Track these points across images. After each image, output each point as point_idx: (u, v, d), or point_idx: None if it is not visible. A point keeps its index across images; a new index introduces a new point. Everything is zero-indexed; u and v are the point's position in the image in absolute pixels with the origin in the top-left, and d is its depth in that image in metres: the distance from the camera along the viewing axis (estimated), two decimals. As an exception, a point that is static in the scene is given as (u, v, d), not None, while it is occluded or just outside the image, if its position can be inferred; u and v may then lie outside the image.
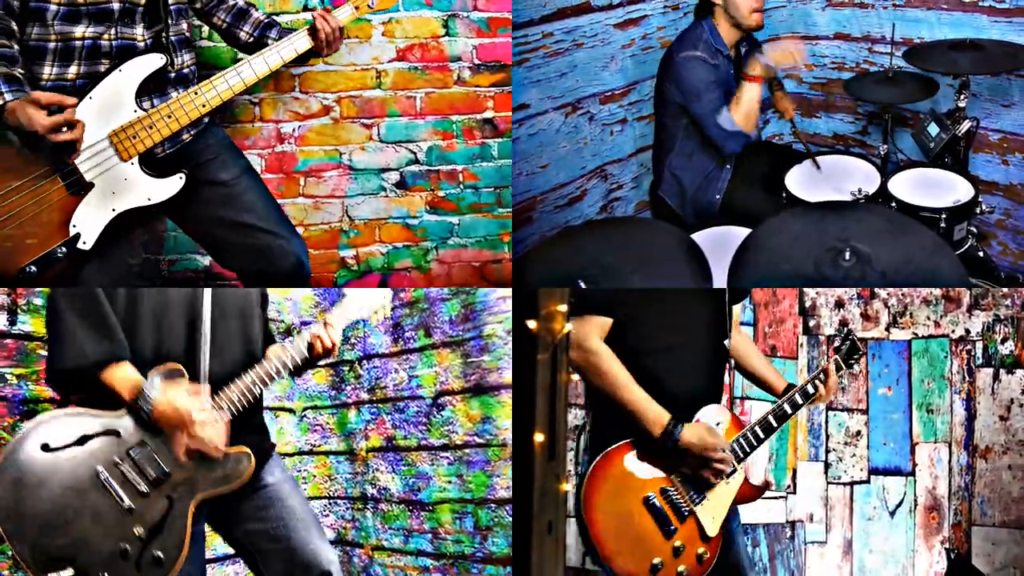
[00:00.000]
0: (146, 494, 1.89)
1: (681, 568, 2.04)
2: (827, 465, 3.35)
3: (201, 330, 2.02)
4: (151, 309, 2.00)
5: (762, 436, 2.16)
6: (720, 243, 2.89)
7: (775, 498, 3.30)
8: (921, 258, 2.43)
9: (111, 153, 2.27)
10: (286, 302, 3.66)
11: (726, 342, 2.23)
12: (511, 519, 2.88)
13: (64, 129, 2.18)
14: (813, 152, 3.52)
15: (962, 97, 3.32)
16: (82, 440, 1.89)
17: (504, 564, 2.91)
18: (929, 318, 3.32)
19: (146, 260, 3.22)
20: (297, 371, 2.15)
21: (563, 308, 2.30)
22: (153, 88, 2.37)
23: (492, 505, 2.99)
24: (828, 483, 3.34)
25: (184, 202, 2.43)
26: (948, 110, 3.40)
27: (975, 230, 3.32)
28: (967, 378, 3.29)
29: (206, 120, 2.54)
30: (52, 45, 2.26)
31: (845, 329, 2.50)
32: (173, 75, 2.43)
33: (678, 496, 2.09)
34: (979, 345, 3.28)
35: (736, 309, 2.35)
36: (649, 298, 2.19)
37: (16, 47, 2.22)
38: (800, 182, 3.38)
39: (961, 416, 3.28)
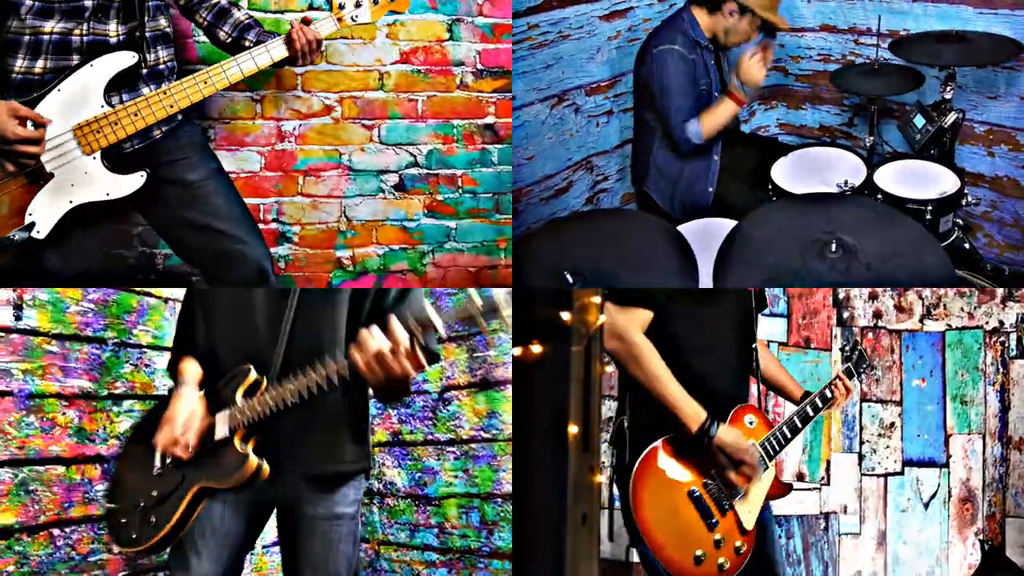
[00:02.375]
0: (169, 466, 2.04)
1: (721, 560, 2.08)
2: (861, 457, 3.36)
3: (282, 328, 2.05)
4: (256, 308, 2.06)
5: (789, 436, 2.24)
6: (706, 235, 2.89)
7: (809, 490, 3.30)
8: (907, 250, 2.44)
9: (74, 146, 2.28)
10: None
11: (754, 345, 2.28)
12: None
13: (30, 144, 2.20)
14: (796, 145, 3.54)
15: (948, 89, 3.32)
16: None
17: (510, 559, 2.91)
18: (963, 310, 3.32)
19: (141, 253, 3.20)
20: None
21: (597, 300, 2.29)
22: (124, 83, 2.37)
23: (498, 500, 2.99)
24: (862, 475, 3.35)
25: (150, 200, 2.46)
26: (934, 102, 3.40)
27: (961, 222, 3.32)
28: (1001, 369, 3.29)
29: (179, 117, 2.53)
30: (25, 39, 2.27)
31: (852, 341, 2.71)
32: (146, 71, 2.43)
33: (719, 490, 2.14)
34: (1013, 337, 3.29)
35: (760, 318, 2.43)
36: (683, 296, 2.24)
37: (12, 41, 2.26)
38: (786, 174, 3.38)
39: (995, 408, 3.29)
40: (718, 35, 3.43)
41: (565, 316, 1.53)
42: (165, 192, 2.48)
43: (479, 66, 3.28)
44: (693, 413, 2.07)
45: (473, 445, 3.10)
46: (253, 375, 2.01)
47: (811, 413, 2.33)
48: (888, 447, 3.34)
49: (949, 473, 3.29)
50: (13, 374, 2.53)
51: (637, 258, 2.57)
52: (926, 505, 3.30)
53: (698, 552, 2.05)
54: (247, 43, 2.59)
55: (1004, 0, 3.47)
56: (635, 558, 3.24)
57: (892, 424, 3.34)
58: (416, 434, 3.32)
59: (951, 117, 3.32)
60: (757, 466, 2.11)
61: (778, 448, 2.22)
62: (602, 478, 2.47)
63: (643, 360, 2.09)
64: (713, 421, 2.08)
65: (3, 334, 2.52)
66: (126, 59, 2.34)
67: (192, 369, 2.09)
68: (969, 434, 3.29)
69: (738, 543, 2.12)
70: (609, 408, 3.32)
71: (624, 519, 2.10)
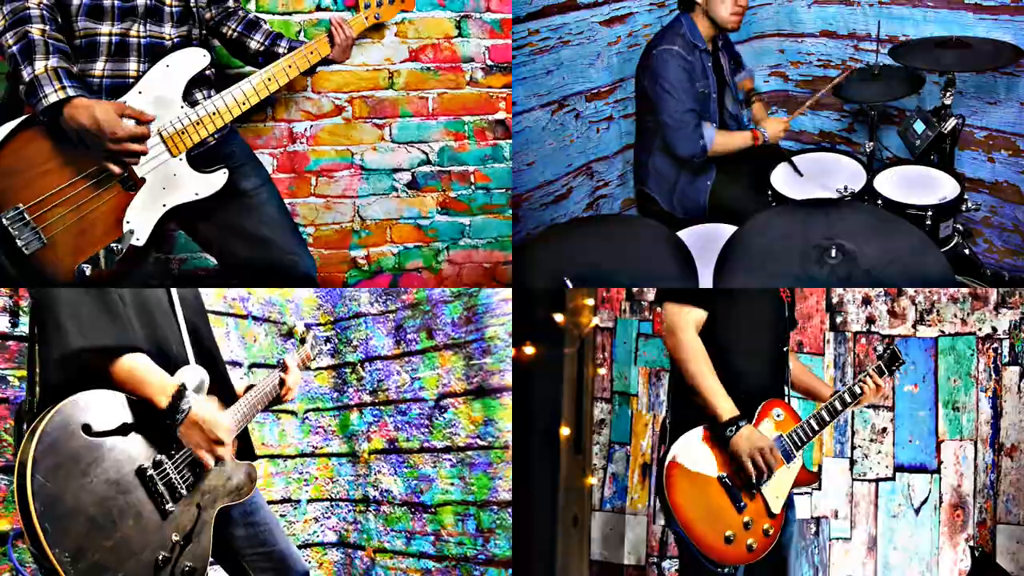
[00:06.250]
0: (183, 499, 1.77)
1: (750, 540, 2.21)
2: (852, 462, 3.35)
3: (199, 330, 2.00)
4: (143, 307, 1.88)
5: (816, 428, 2.33)
6: (706, 241, 2.89)
7: (800, 494, 3.30)
8: (907, 256, 2.44)
9: (162, 149, 2.26)
10: (288, 304, 3.64)
11: (784, 349, 2.38)
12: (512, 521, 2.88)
13: (138, 143, 2.17)
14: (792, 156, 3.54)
15: (948, 94, 3.32)
16: (124, 429, 1.69)
17: (506, 567, 2.91)
18: (956, 315, 3.32)
19: (156, 259, 3.19)
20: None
21: (590, 303, 2.27)
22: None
23: (494, 507, 2.99)
24: (853, 480, 3.35)
25: (204, 207, 2.40)
26: (934, 107, 3.40)
27: (961, 228, 3.32)
28: (993, 376, 3.28)
29: (229, 125, 2.54)
30: (77, 42, 2.22)
31: (887, 341, 2.90)
32: (196, 75, 2.40)
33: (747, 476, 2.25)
34: (1006, 343, 3.28)
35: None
36: (731, 298, 2.34)
37: (67, 44, 2.20)
38: (785, 180, 3.38)
39: (987, 414, 3.28)
40: (716, 21, 3.42)
41: (558, 318, 1.53)
42: (220, 200, 2.42)
43: (488, 62, 3.28)
44: (724, 409, 2.19)
45: (469, 452, 3.09)
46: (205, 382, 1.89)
47: (839, 407, 2.39)
48: (880, 452, 3.34)
49: (940, 479, 3.29)
50: (9, 381, 2.53)
51: (637, 263, 2.57)
52: (917, 511, 3.29)
53: (728, 533, 2.18)
54: (279, 50, 2.67)
55: (1004, 6, 3.47)
56: (626, 559, 3.27)
57: (884, 429, 3.34)
58: (412, 442, 3.32)
59: (951, 122, 3.32)
60: (767, 467, 2.21)
61: (804, 440, 2.31)
62: (594, 480, 2.50)
63: (688, 356, 2.23)
64: (738, 422, 2.19)
65: None
66: (199, 57, 2.34)
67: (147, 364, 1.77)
68: (961, 440, 3.29)
69: (766, 525, 2.23)
70: (602, 411, 3.33)
71: (660, 503, 2.25)
